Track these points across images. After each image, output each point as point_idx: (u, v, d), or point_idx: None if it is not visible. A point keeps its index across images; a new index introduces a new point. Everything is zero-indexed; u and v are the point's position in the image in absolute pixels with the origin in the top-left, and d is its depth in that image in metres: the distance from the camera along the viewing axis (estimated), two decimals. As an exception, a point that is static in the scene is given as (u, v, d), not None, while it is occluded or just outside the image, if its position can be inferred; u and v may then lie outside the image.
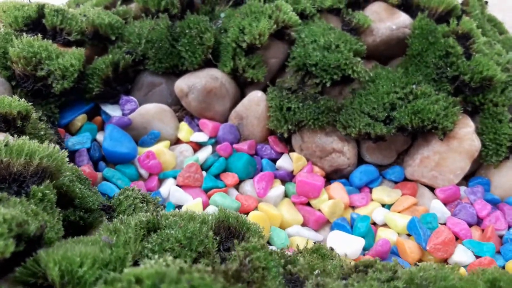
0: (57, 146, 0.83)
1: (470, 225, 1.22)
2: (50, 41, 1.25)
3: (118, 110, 1.34)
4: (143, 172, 1.25)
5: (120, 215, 0.87)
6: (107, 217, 0.97)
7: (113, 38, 1.32)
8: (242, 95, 1.44)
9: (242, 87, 1.43)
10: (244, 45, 1.33)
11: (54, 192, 0.79)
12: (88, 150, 1.25)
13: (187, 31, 1.36)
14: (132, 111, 1.33)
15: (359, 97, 1.33)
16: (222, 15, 1.39)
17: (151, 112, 1.31)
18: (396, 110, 1.29)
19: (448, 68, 1.30)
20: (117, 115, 1.32)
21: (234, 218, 0.88)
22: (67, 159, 0.85)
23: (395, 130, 1.28)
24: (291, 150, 1.38)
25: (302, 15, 1.45)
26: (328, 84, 1.31)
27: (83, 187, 0.98)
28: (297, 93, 1.33)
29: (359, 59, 1.30)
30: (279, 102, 1.31)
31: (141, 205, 0.98)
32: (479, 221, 1.24)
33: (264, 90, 1.39)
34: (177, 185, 1.24)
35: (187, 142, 1.35)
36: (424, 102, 1.27)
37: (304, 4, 1.43)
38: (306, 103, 1.31)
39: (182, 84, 1.35)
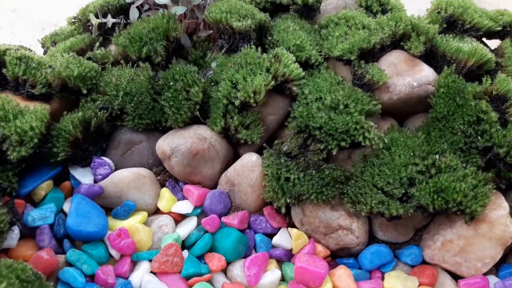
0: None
1: (501, 332, 1.03)
2: (9, 96, 1.08)
3: (90, 174, 1.17)
4: (114, 253, 1.07)
5: None
6: None
7: (85, 91, 1.14)
8: (235, 154, 1.26)
9: (235, 145, 1.24)
10: (237, 102, 1.14)
11: None
12: (52, 225, 1.08)
13: (171, 83, 1.18)
14: (106, 176, 1.16)
15: (371, 167, 1.14)
16: (213, 64, 1.21)
17: (126, 180, 1.13)
18: (415, 186, 1.10)
19: (479, 137, 1.10)
20: (88, 181, 1.15)
21: None
22: None
23: (413, 210, 1.09)
24: (290, 223, 1.20)
25: (307, 64, 1.26)
26: (334, 152, 1.12)
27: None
28: (297, 159, 1.15)
29: (371, 124, 1.11)
30: (276, 170, 1.13)
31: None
32: (512, 327, 1.04)
33: (260, 150, 1.21)
34: (152, 272, 1.06)
35: (168, 213, 1.17)
36: (449, 178, 1.08)
37: (309, 52, 1.24)
38: (307, 172, 1.12)
39: (164, 145, 1.17)
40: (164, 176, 1.23)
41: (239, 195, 1.19)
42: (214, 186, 1.24)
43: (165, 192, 1.19)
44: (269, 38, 1.28)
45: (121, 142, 1.22)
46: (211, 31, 1.29)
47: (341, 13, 1.32)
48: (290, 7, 1.35)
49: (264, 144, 1.20)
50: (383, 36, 1.19)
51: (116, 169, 1.21)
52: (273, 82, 1.14)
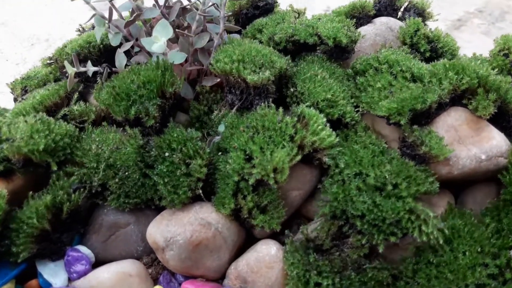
0: None
1: None
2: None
3: (63, 271, 0.92)
4: None
5: None
6: None
7: (55, 167, 0.89)
8: (248, 238, 1.01)
9: (248, 228, 0.99)
10: (251, 180, 0.89)
11: None
12: None
13: (167, 154, 0.93)
14: (83, 274, 0.92)
15: (427, 266, 0.89)
16: (221, 128, 0.96)
17: (107, 284, 0.88)
18: (488, 297, 0.84)
19: None
20: (60, 282, 0.91)
21: None
22: None
23: (485, 329, 0.83)
24: (319, 332, 0.94)
25: (339, 122, 1.00)
26: (380, 249, 0.86)
27: None
28: (331, 255, 0.89)
29: (429, 212, 0.85)
30: (303, 272, 0.88)
31: None
32: None
33: (281, 231, 0.96)
34: None
35: (163, 321, 0.92)
36: (533, 287, 0.82)
37: (342, 108, 0.99)
38: (345, 275, 0.87)
39: (155, 235, 0.92)
40: (157, 268, 0.98)
41: (253, 296, 0.93)
42: (220, 277, 0.99)
43: (159, 292, 0.93)
44: (292, 89, 1.02)
45: (103, 226, 0.97)
46: (218, 79, 1.04)
47: (382, 55, 1.06)
48: (318, 47, 1.09)
49: (286, 231, 0.94)
50: (442, 93, 0.92)
51: (97, 258, 0.97)
52: (299, 157, 0.88)
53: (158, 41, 0.91)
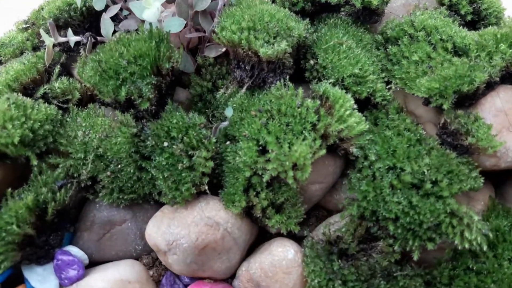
0: None
1: None
2: None
3: (53, 277, 0.82)
4: None
5: None
6: None
7: (35, 162, 0.76)
8: (260, 234, 0.90)
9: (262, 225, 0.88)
10: (266, 177, 0.76)
11: None
12: None
13: (165, 144, 0.79)
14: (76, 279, 0.81)
15: (465, 273, 0.79)
16: (229, 112, 0.81)
17: (102, 295, 0.78)
18: (537, 310, 0.74)
19: None
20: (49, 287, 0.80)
21: None
22: None
23: None
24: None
25: (368, 101, 0.86)
26: (415, 257, 0.75)
27: None
28: (357, 261, 0.79)
29: (474, 215, 0.73)
30: (326, 281, 0.77)
31: None
32: None
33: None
34: None
35: (166, 328, 0.83)
36: None
37: (372, 85, 0.84)
38: (373, 284, 0.77)
39: (156, 236, 0.81)
40: (159, 269, 0.88)
41: (267, 300, 0.84)
42: (230, 277, 0.89)
43: (162, 297, 0.84)
44: (311, 61, 0.87)
45: (95, 223, 0.86)
46: (223, 49, 0.88)
47: (417, 20, 0.90)
48: (342, 8, 0.92)
49: (305, 231, 0.83)
50: (492, 71, 0.77)
51: (91, 259, 0.87)
52: (323, 151, 0.75)
53: (150, 6, 0.74)
